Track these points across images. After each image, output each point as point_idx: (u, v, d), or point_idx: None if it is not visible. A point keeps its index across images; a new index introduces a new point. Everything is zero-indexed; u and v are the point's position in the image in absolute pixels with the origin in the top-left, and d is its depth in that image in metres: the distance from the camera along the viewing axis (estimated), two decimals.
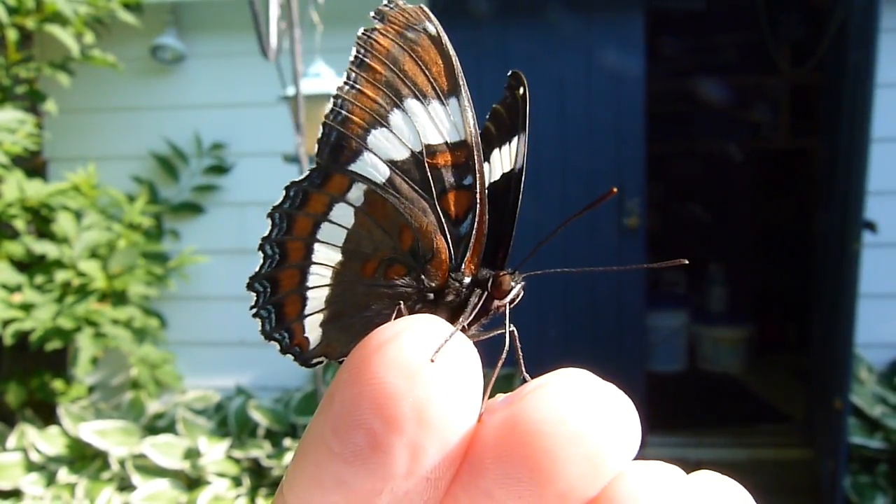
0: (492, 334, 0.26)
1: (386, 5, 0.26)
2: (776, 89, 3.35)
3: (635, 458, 0.15)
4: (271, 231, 0.27)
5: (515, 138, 0.29)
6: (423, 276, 0.26)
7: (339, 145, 0.26)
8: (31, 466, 1.89)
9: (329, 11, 1.55)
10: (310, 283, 0.27)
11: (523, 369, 0.23)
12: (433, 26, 0.26)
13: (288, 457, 1.80)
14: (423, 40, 0.25)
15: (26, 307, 1.89)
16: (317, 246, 0.27)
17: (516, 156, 0.28)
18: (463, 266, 0.25)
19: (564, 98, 2.16)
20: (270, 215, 0.27)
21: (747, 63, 3.35)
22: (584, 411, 0.14)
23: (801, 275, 2.63)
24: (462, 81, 0.26)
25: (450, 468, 0.15)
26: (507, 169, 0.29)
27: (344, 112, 0.26)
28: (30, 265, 2.00)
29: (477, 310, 0.25)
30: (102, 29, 2.10)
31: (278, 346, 0.27)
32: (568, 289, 2.19)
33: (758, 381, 2.89)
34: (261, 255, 0.27)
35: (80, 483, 1.82)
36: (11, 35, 1.84)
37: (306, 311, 0.27)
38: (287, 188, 0.27)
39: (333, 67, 1.44)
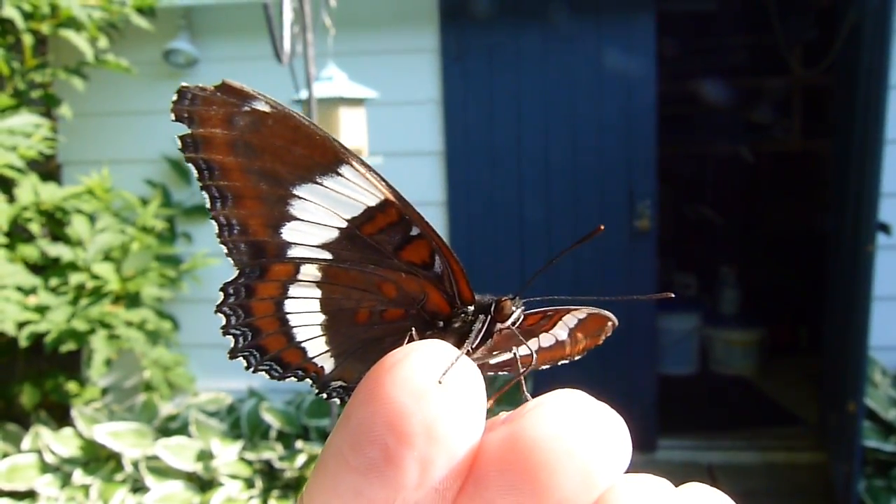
0: (498, 359, 0.28)
1: (179, 101, 0.23)
2: (788, 91, 3.34)
3: (642, 470, 0.17)
4: (228, 321, 0.26)
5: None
6: (423, 314, 0.26)
7: (255, 251, 0.25)
8: (45, 468, 1.90)
9: (341, 15, 1.56)
10: (300, 339, 0.27)
11: (524, 389, 0.24)
12: (264, 102, 0.22)
13: (300, 459, 1.81)
14: (263, 122, 0.22)
15: (41, 309, 1.91)
16: (290, 317, 0.26)
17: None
18: (457, 298, 0.26)
19: (575, 100, 2.16)
20: (219, 311, 0.26)
21: (758, 65, 3.34)
22: (576, 429, 0.16)
23: (814, 277, 2.61)
24: (341, 147, 0.23)
25: (457, 480, 0.16)
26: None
27: (236, 226, 0.24)
28: (44, 268, 2.02)
29: (482, 335, 0.26)
30: (116, 34, 2.12)
31: (295, 379, 0.28)
32: (578, 290, 2.19)
33: (770, 384, 2.87)
34: (230, 338, 0.26)
35: (95, 484, 1.83)
36: (27, 40, 1.86)
37: (310, 356, 0.27)
38: (223, 289, 0.26)
39: (345, 71, 1.45)
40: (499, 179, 2.20)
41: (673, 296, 0.26)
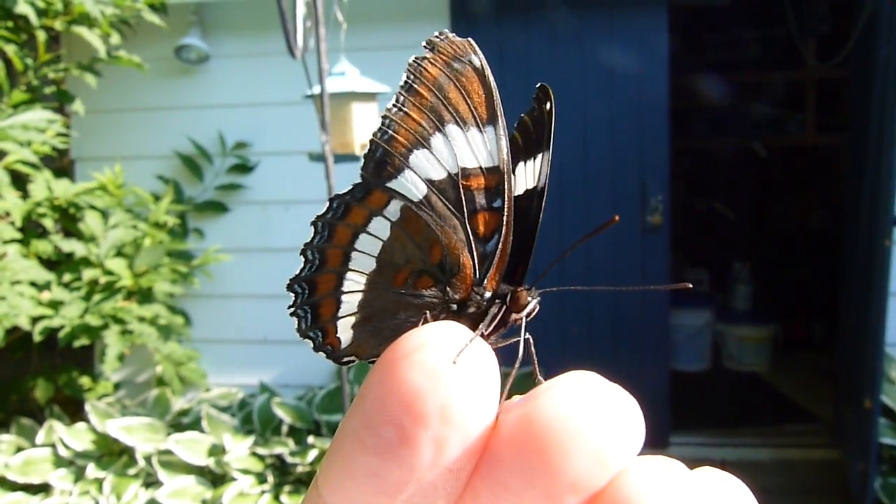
0: (510, 342, 0.28)
1: (437, 37, 0.27)
2: (802, 84, 3.30)
3: (660, 455, 0.17)
4: (313, 238, 0.28)
5: (540, 155, 0.30)
6: (448, 289, 0.28)
7: (383, 162, 0.27)
8: (59, 462, 1.91)
9: (354, 10, 1.55)
10: (345, 288, 0.29)
11: (538, 373, 0.25)
12: (478, 59, 0.27)
13: (312, 454, 1.81)
14: (468, 71, 0.27)
15: (54, 305, 1.92)
16: (354, 254, 0.28)
17: (539, 174, 0.29)
18: (485, 281, 0.27)
19: (587, 95, 2.14)
20: (314, 223, 0.28)
21: (772, 58, 3.31)
22: (589, 410, 0.16)
23: (828, 273, 2.59)
24: (500, 112, 0.27)
25: (470, 460, 0.16)
26: (530, 185, 0.30)
27: (390, 132, 0.27)
28: (58, 263, 2.03)
29: (496, 321, 0.27)
30: (128, 30, 2.12)
31: (311, 344, 0.29)
32: (590, 286, 2.18)
33: (783, 381, 2.86)
34: (302, 259, 0.28)
35: (108, 478, 1.84)
36: (40, 36, 1.87)
37: (339, 314, 0.29)
38: (331, 200, 0.28)
39: (358, 66, 1.45)
40: None
41: (690, 286, 0.26)
